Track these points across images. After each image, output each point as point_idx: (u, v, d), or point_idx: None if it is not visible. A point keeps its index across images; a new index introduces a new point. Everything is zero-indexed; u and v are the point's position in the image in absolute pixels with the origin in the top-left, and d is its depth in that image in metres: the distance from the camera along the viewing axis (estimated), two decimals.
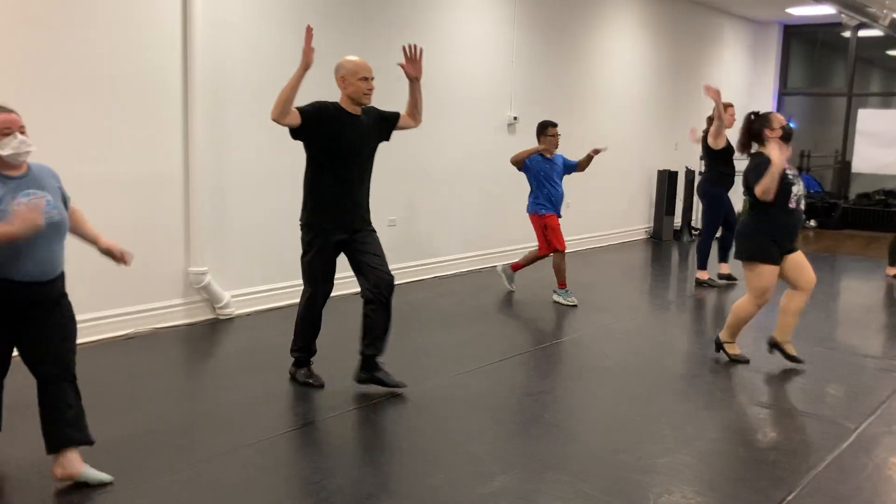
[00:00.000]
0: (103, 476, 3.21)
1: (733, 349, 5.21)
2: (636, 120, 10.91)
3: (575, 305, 6.57)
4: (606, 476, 3.46)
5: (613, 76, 10.26)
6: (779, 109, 13.99)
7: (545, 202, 6.65)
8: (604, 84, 10.10)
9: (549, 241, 6.62)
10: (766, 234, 4.86)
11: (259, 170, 6.18)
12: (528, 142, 9.18)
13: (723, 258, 7.88)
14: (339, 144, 4.29)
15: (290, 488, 3.28)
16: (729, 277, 7.81)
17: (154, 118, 5.48)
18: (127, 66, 5.27)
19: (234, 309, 6.02)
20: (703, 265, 7.73)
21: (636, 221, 11.15)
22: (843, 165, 13.31)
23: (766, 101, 13.66)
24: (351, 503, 3.16)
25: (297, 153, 6.44)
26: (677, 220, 11.35)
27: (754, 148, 4.97)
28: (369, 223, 4.61)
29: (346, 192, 4.42)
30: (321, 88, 4.69)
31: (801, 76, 14.75)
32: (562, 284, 6.69)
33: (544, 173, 6.67)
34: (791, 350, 5.10)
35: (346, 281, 5.34)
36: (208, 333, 5.65)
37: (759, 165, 4.76)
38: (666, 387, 4.70)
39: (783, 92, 14.12)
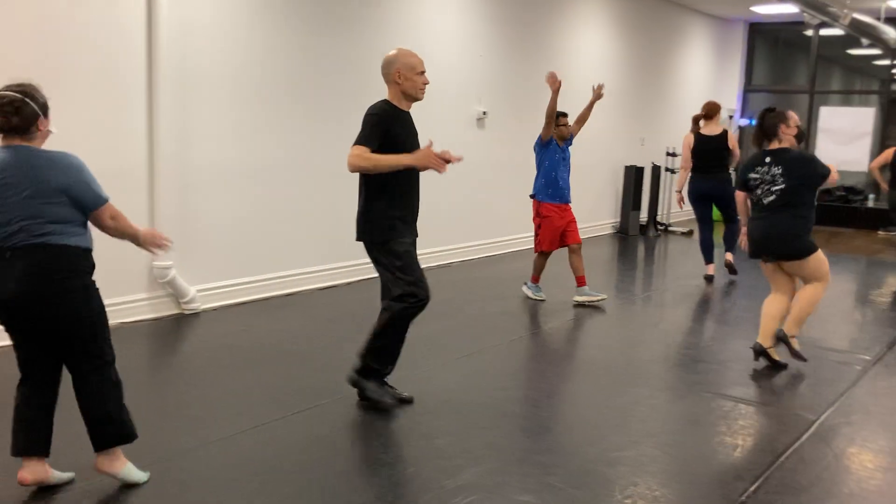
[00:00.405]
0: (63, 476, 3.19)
1: (796, 344, 5.06)
2: (603, 115, 10.95)
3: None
4: (573, 469, 3.49)
5: (581, 72, 10.31)
6: (743, 106, 14.19)
7: (547, 188, 6.47)
8: (572, 79, 10.13)
9: (538, 237, 6.50)
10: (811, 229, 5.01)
11: (226, 163, 6.12)
12: (497, 137, 9.22)
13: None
14: (406, 147, 4.02)
15: (254, 485, 3.25)
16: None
17: (117, 110, 5.39)
18: (90, 58, 5.18)
19: (200, 304, 5.96)
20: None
21: (603, 216, 11.24)
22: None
23: (730, 98, 13.84)
24: (317, 498, 3.15)
25: (264, 147, 6.41)
26: (643, 216, 11.46)
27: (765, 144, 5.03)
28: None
29: (416, 195, 4.22)
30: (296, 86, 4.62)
31: (764, 73, 14.96)
32: (535, 279, 6.70)
33: (550, 161, 6.50)
34: (795, 345, 5.09)
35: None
36: (173, 328, 5.59)
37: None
38: (632, 380, 4.75)
39: (747, 89, 14.32)
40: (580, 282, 6.53)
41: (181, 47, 5.67)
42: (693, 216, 8.29)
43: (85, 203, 3.03)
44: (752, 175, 4.99)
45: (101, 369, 3.13)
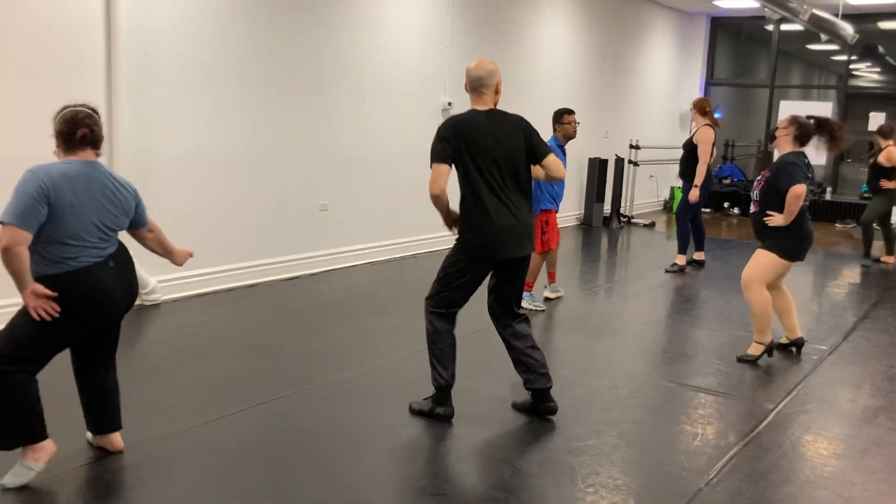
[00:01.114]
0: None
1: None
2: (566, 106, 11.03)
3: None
4: (536, 458, 3.52)
5: (546, 64, 10.36)
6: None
7: (549, 197, 6.09)
8: (536, 71, 10.19)
9: (548, 239, 6.12)
10: None
11: (187, 152, 6.04)
12: None
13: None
14: None
15: (216, 476, 3.23)
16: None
17: (74, 93, 5.25)
18: (45, 43, 5.06)
19: (161, 294, 5.88)
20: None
21: (567, 208, 11.31)
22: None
23: (693, 91, 14.00)
24: (281, 489, 3.13)
25: (225, 136, 6.34)
26: (607, 207, 11.55)
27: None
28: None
29: None
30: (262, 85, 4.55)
31: (726, 67, 15.16)
32: (529, 286, 6.15)
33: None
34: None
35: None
36: (134, 320, 5.50)
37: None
38: (593, 370, 4.79)
39: (710, 82, 14.49)
40: (551, 278, 6.56)
41: (141, 34, 5.57)
42: (658, 208, 8.40)
43: (141, 221, 3.32)
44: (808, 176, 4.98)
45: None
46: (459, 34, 8.70)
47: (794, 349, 5.34)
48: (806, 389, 4.62)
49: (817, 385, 4.71)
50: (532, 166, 3.93)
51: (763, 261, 5.01)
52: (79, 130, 3.05)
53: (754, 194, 5.07)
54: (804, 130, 4.97)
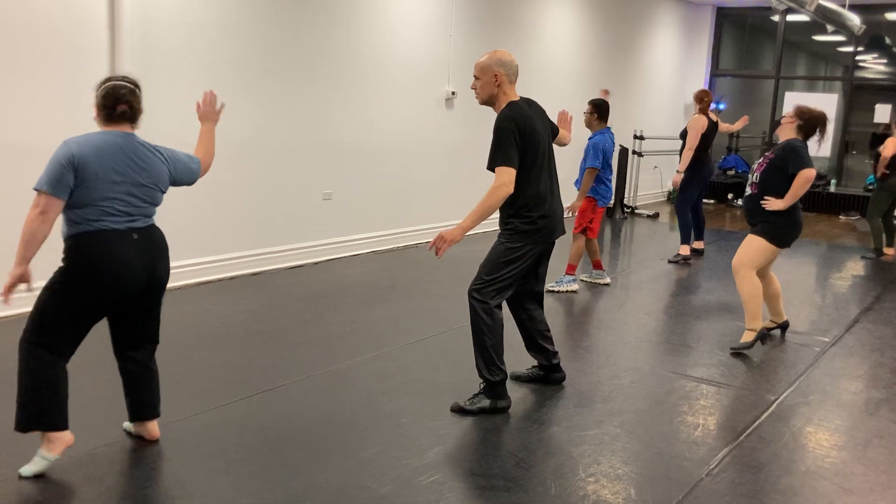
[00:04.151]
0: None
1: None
2: (571, 97, 11.00)
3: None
4: (538, 448, 3.52)
5: (550, 53, 10.32)
6: (710, 90, 14.31)
7: (606, 187, 6.75)
8: (541, 61, 10.15)
9: (593, 227, 6.65)
10: None
11: (191, 139, 6.01)
12: (466, 117, 9.19)
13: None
14: None
15: (220, 463, 3.24)
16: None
17: (78, 87, 5.28)
18: (48, 32, 5.06)
19: None
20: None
21: (570, 198, 11.27)
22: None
23: (698, 82, 13.95)
24: (282, 477, 3.14)
25: (229, 125, 6.33)
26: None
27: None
28: (502, 227, 4.03)
29: None
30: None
31: (731, 58, 15.10)
32: (572, 269, 6.68)
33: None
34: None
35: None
36: None
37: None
38: (596, 360, 4.79)
39: (714, 73, 14.44)
40: (597, 265, 6.87)
41: (145, 22, 5.55)
42: (662, 199, 8.39)
43: (187, 180, 3.51)
44: None
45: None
46: (464, 24, 8.66)
47: (779, 331, 5.50)
48: (808, 381, 4.62)
49: (819, 376, 4.71)
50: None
51: (753, 245, 5.02)
52: (118, 106, 3.13)
53: (754, 176, 5.06)
54: (810, 124, 4.95)
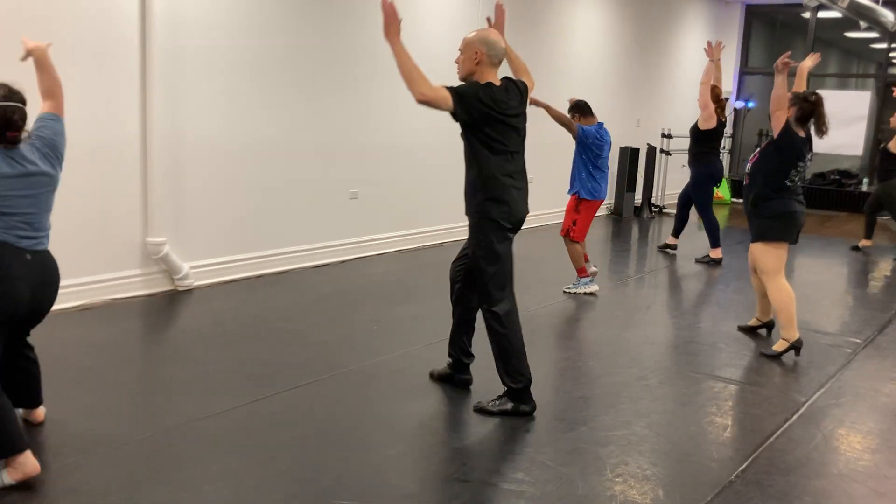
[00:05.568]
0: None
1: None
2: (599, 96, 10.93)
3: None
4: (564, 448, 3.51)
5: (578, 52, 10.27)
6: (739, 88, 14.16)
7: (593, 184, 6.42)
8: (568, 60, 10.11)
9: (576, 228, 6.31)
10: None
11: (219, 140, 6.08)
12: None
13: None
14: None
15: (245, 460, 3.26)
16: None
17: (110, 87, 5.34)
18: (82, 34, 5.13)
19: (194, 280, 5.95)
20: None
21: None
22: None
23: (727, 80, 13.78)
24: (307, 474, 3.16)
25: (257, 124, 6.38)
26: (638, 197, 11.45)
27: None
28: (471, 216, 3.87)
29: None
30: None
31: (761, 56, 14.91)
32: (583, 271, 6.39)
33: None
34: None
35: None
36: (166, 305, 5.58)
37: None
38: (622, 361, 4.76)
39: (744, 71, 14.28)
40: (580, 272, 6.49)
41: (175, 24, 5.61)
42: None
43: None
44: (808, 155, 5.01)
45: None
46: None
47: (763, 331, 5.46)
48: (839, 382, 4.55)
49: (851, 378, 4.64)
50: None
51: (758, 253, 5.00)
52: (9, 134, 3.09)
53: (747, 167, 5.08)
54: (803, 110, 5.02)
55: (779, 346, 4.99)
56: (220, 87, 6.03)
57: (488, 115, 3.65)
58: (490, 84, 3.71)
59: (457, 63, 3.86)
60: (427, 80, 3.59)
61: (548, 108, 6.05)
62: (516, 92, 3.83)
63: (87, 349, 4.53)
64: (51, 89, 3.35)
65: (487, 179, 3.72)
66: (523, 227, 3.95)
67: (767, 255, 4.95)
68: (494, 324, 3.80)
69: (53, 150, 3.23)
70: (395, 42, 3.61)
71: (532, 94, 4.14)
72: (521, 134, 3.83)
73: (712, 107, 7.75)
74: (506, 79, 3.85)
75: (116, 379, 4.09)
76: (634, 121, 11.69)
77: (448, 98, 3.60)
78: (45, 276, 3.20)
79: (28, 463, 2.97)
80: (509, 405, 3.84)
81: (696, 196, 8.04)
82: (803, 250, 9.07)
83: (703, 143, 7.90)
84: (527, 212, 3.87)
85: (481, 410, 3.85)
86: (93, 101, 5.23)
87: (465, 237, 3.94)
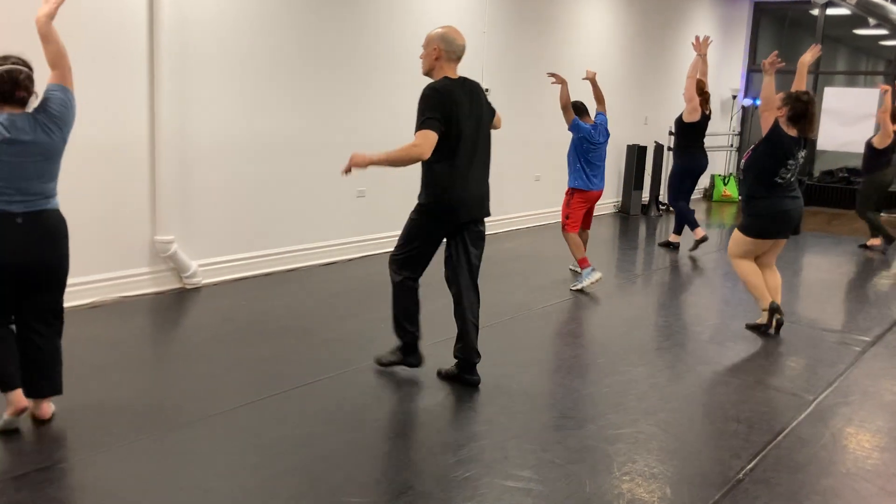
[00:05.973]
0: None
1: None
2: (606, 94, 10.87)
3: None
4: (572, 445, 3.51)
5: (585, 49, 10.25)
6: (747, 86, 14.12)
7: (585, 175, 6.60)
8: (575, 57, 10.09)
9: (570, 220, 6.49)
10: None
11: (227, 138, 6.10)
12: (501, 113, 9.08)
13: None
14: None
15: (255, 458, 3.28)
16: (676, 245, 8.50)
17: (119, 84, 5.37)
18: (91, 30, 5.15)
19: (202, 278, 5.97)
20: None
21: (604, 195, 11.19)
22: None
23: (734, 78, 13.76)
24: (318, 473, 3.17)
25: (266, 122, 6.39)
26: (645, 195, 11.43)
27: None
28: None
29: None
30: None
31: (769, 53, 14.84)
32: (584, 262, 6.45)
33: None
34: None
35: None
36: (175, 303, 5.60)
37: None
38: (630, 358, 4.76)
39: (752, 69, 14.23)
40: (582, 262, 6.51)
41: (183, 21, 5.62)
42: (698, 196, 8.32)
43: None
44: (799, 154, 5.11)
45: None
46: (497, 20, 8.64)
47: (772, 330, 5.49)
48: (848, 381, 4.54)
49: (860, 376, 4.63)
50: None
51: (733, 236, 5.38)
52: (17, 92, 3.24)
53: (742, 164, 5.32)
54: (795, 109, 5.11)
55: (761, 319, 5.30)
56: (228, 85, 6.05)
57: (445, 106, 3.87)
58: (447, 78, 3.93)
59: (421, 59, 4.04)
60: (408, 146, 3.91)
61: (563, 86, 6.46)
62: (474, 91, 4.09)
63: (96, 346, 4.55)
64: (55, 59, 3.43)
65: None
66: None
67: (738, 243, 5.33)
68: (392, 281, 4.29)
69: (54, 120, 3.31)
70: (370, 162, 3.94)
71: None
72: (465, 131, 3.98)
73: (697, 100, 7.80)
74: (463, 78, 4.05)
75: (125, 376, 4.11)
76: (642, 119, 11.67)
77: (433, 133, 3.85)
78: (42, 231, 3.26)
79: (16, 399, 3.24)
80: (396, 357, 4.26)
81: (672, 184, 8.25)
82: (811, 248, 9.04)
83: (687, 135, 8.07)
84: (478, 206, 4.26)
85: (378, 362, 4.30)
86: (102, 100, 5.25)
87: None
